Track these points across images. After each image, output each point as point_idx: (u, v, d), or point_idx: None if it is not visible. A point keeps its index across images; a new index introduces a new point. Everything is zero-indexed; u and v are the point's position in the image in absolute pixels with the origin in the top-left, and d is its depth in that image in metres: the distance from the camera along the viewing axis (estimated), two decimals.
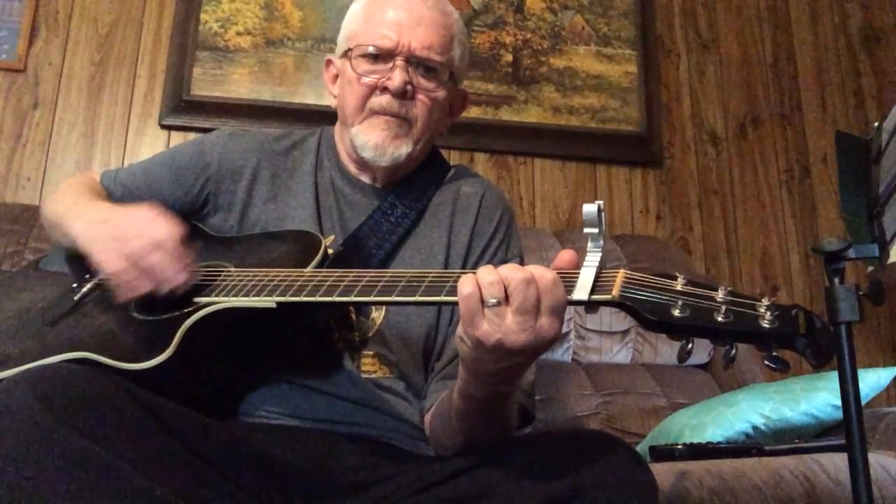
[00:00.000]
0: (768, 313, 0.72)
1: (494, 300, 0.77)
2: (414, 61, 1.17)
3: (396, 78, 1.15)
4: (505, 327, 0.77)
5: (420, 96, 1.18)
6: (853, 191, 0.97)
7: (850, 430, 0.88)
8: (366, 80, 1.18)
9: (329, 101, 1.30)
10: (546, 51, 2.55)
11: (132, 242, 0.99)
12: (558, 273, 0.80)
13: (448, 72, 1.21)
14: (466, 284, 0.79)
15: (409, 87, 1.17)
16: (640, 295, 0.76)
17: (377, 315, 1.14)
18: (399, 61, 1.16)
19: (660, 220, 2.51)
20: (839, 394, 0.90)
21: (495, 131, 2.45)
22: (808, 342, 0.72)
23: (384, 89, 1.17)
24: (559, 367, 2.01)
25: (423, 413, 1.12)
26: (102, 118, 2.27)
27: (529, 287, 0.77)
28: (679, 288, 0.76)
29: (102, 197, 1.23)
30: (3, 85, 2.24)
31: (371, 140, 1.18)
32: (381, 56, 1.17)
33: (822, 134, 2.66)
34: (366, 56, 1.18)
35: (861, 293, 0.87)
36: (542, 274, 0.78)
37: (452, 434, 1.01)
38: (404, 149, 1.19)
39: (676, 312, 0.74)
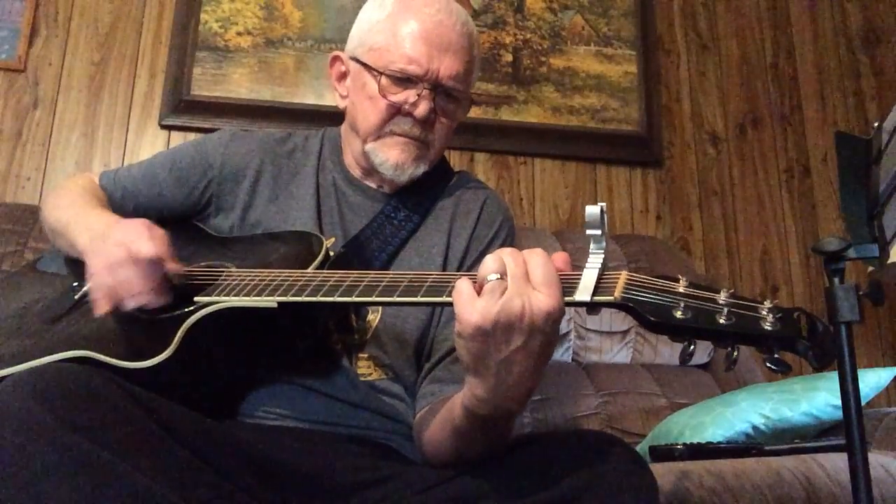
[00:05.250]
0: (770, 316, 0.72)
1: (496, 275, 0.78)
2: (440, 89, 1.18)
3: (423, 107, 1.16)
4: (503, 299, 0.78)
5: (441, 120, 1.21)
6: (853, 191, 0.97)
7: (850, 430, 0.88)
8: (392, 101, 1.17)
9: (334, 99, 1.28)
10: (546, 51, 2.55)
11: (112, 254, 0.98)
12: (560, 275, 0.80)
13: (469, 98, 1.23)
14: (464, 280, 0.80)
15: (432, 115, 1.18)
16: (642, 297, 0.76)
17: (373, 317, 1.14)
18: (426, 90, 1.17)
19: (660, 221, 2.51)
20: (839, 394, 0.90)
21: (495, 131, 2.44)
22: (810, 345, 0.72)
23: (408, 114, 1.17)
24: (559, 367, 2.01)
25: (415, 414, 1.12)
26: (102, 118, 2.27)
27: (517, 256, 0.80)
28: (681, 290, 0.76)
29: (102, 201, 1.23)
30: (3, 85, 2.24)
31: (391, 159, 1.19)
32: (408, 79, 1.18)
33: (822, 134, 2.66)
34: (391, 77, 1.18)
35: (861, 293, 0.87)
36: (529, 250, 0.81)
37: (447, 452, 1.00)
38: (422, 168, 1.22)
39: (678, 314, 0.74)
